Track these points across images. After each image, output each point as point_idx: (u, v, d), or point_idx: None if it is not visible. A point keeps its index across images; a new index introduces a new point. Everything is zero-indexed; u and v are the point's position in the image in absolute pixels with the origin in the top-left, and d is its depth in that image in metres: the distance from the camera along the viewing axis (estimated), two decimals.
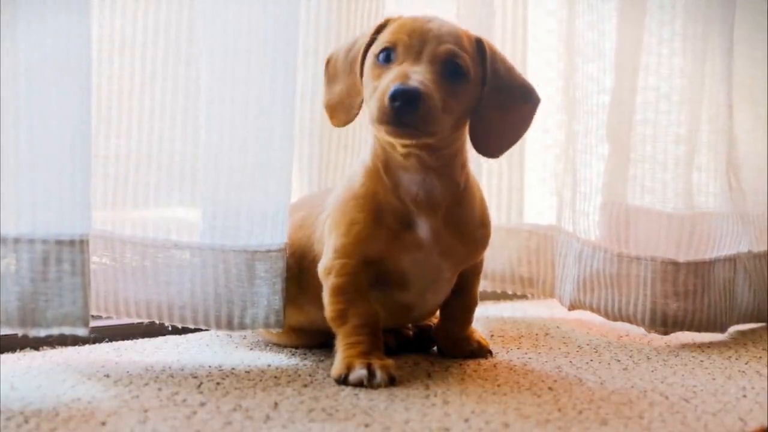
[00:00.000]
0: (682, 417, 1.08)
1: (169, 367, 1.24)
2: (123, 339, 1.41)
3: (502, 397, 1.13)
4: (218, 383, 1.17)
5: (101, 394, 1.09)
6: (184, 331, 1.41)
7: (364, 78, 1.22)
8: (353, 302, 1.23)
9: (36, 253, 1.10)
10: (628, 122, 1.60)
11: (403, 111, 1.11)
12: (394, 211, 1.23)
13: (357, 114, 1.25)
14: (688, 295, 1.55)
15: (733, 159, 1.69)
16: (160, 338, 1.42)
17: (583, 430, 1.01)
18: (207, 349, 1.37)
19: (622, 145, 1.60)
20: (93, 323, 1.16)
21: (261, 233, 1.29)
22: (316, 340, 1.36)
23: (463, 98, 1.20)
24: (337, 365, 1.20)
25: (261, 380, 1.19)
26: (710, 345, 1.53)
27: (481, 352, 1.36)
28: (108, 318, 1.35)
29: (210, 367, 1.25)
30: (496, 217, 1.73)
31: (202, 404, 1.07)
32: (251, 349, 1.38)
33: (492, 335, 1.53)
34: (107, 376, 1.18)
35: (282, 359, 1.32)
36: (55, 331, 1.11)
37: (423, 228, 1.24)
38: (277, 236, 1.29)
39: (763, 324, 1.71)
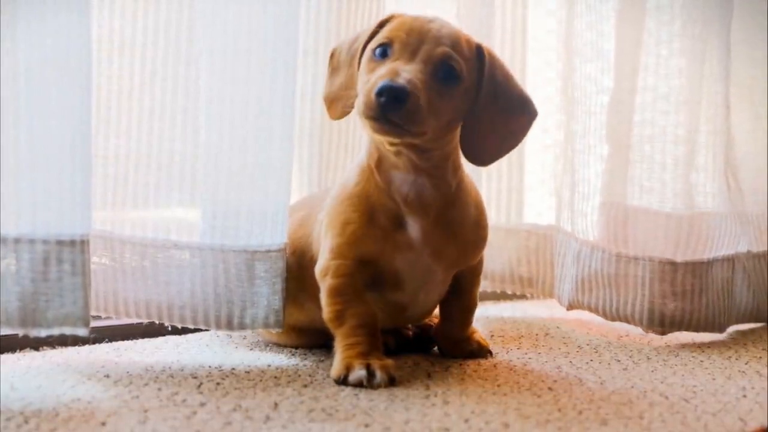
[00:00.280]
0: (682, 417, 1.08)
1: (169, 368, 1.24)
2: (123, 339, 1.41)
3: (502, 397, 1.13)
4: (218, 383, 1.17)
5: (101, 395, 1.09)
6: (184, 331, 1.41)
7: (359, 71, 1.22)
8: (351, 303, 1.23)
9: (36, 253, 1.09)
10: (627, 122, 1.61)
11: (388, 107, 1.11)
12: (387, 211, 1.23)
13: (353, 107, 1.25)
14: (685, 295, 1.55)
15: (731, 159, 1.69)
16: (160, 338, 1.42)
17: (583, 430, 1.01)
18: (207, 350, 1.37)
19: (621, 145, 1.61)
20: (93, 323, 1.16)
21: (261, 233, 1.29)
22: (315, 340, 1.36)
23: (454, 101, 1.19)
24: (337, 366, 1.20)
25: (261, 380, 1.19)
26: (710, 345, 1.53)
27: (481, 352, 1.36)
28: (108, 318, 1.35)
29: (210, 367, 1.25)
30: (496, 218, 1.73)
31: (202, 404, 1.07)
32: (251, 349, 1.38)
33: (492, 335, 1.53)
34: (107, 376, 1.18)
35: (282, 359, 1.32)
36: (55, 331, 1.11)
37: (413, 228, 1.24)
38: (276, 236, 1.29)
39: (763, 324, 1.71)
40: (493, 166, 1.69)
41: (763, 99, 1.73)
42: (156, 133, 1.30)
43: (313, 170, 1.54)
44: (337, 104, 1.27)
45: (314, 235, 1.31)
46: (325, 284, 1.24)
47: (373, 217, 1.23)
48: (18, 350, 1.31)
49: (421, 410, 1.06)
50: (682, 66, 1.59)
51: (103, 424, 0.98)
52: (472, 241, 1.30)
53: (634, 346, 1.50)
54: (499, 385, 1.20)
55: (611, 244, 1.59)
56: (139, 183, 1.30)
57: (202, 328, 1.31)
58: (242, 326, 1.30)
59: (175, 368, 1.24)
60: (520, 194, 1.76)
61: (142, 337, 1.42)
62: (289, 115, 1.29)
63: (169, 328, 1.36)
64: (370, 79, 1.15)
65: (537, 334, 1.56)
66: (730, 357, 1.43)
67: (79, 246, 1.12)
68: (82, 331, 1.12)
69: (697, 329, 1.57)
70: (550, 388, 1.19)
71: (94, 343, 1.37)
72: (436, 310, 1.39)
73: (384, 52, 1.19)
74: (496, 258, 1.74)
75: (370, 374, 1.16)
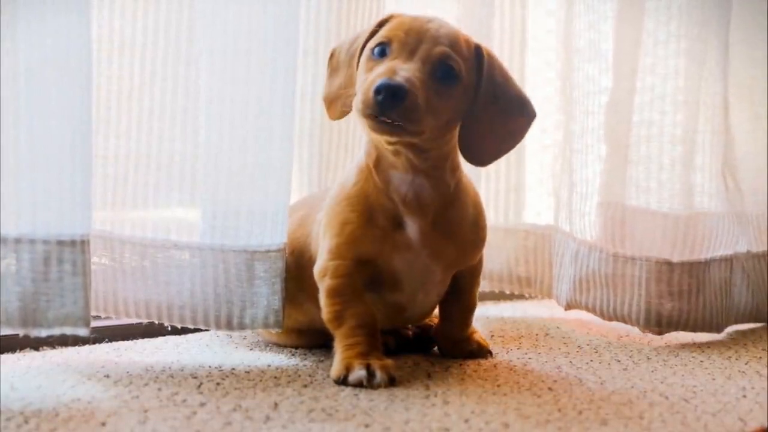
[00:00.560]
0: (682, 417, 1.08)
1: (169, 368, 1.24)
2: (123, 339, 1.41)
3: (502, 398, 1.13)
4: (218, 383, 1.17)
5: (101, 395, 1.09)
6: (184, 331, 1.41)
7: (358, 71, 1.22)
8: (350, 303, 1.23)
9: (37, 253, 1.09)
10: (626, 122, 1.61)
11: (386, 105, 1.11)
12: (385, 211, 1.23)
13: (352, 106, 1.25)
14: (682, 295, 1.55)
15: (731, 159, 1.69)
16: (160, 338, 1.42)
17: (583, 430, 1.01)
18: (207, 350, 1.37)
19: (619, 145, 1.61)
20: (93, 323, 1.16)
21: (260, 233, 1.29)
22: (315, 341, 1.36)
23: (452, 101, 1.19)
24: (337, 366, 1.20)
25: (261, 380, 1.19)
26: (710, 345, 1.53)
27: (480, 352, 1.36)
28: (108, 318, 1.35)
29: (210, 367, 1.25)
30: (494, 217, 1.73)
31: (202, 404, 1.06)
32: (251, 349, 1.38)
33: (492, 335, 1.53)
34: (107, 376, 1.18)
35: (282, 359, 1.32)
36: (56, 331, 1.11)
37: (412, 229, 1.24)
38: (276, 236, 1.29)
39: (763, 324, 1.71)
40: (492, 166, 1.69)
41: (762, 99, 1.73)
42: (156, 133, 1.30)
43: (313, 170, 1.54)
44: (336, 104, 1.27)
45: (313, 235, 1.31)
46: (324, 285, 1.24)
47: (371, 217, 1.23)
48: (18, 350, 1.31)
49: (421, 410, 1.06)
50: (681, 66, 1.59)
51: (103, 424, 0.98)
52: (470, 241, 1.30)
53: (634, 346, 1.50)
54: (499, 385, 1.20)
55: (609, 244, 1.59)
56: (139, 183, 1.30)
57: (202, 328, 1.31)
58: (242, 326, 1.30)
59: (175, 368, 1.24)
60: (518, 194, 1.75)
61: (142, 337, 1.42)
62: (289, 115, 1.29)
63: (169, 328, 1.36)
64: (368, 78, 1.15)
65: (537, 334, 1.56)
66: (730, 357, 1.44)
67: (80, 246, 1.12)
68: (82, 331, 1.12)
69: (694, 329, 1.57)
70: (550, 388, 1.19)
71: (94, 343, 1.37)
72: (436, 310, 1.39)
73: (383, 51, 1.19)
74: (495, 258, 1.74)
75: (370, 374, 1.16)
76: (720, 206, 1.64)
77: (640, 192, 1.61)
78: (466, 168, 1.29)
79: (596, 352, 1.44)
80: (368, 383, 1.16)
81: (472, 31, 1.53)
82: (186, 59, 1.30)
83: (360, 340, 1.20)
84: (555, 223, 1.69)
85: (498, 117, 1.24)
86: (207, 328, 1.30)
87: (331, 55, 1.30)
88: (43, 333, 1.10)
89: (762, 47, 1.72)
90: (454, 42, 1.20)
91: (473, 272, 1.35)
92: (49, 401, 1.06)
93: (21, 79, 1.09)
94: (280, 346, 1.40)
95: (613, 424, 1.03)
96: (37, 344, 1.32)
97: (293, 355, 1.35)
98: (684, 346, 1.52)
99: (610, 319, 1.59)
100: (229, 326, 1.29)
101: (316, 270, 1.26)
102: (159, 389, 1.13)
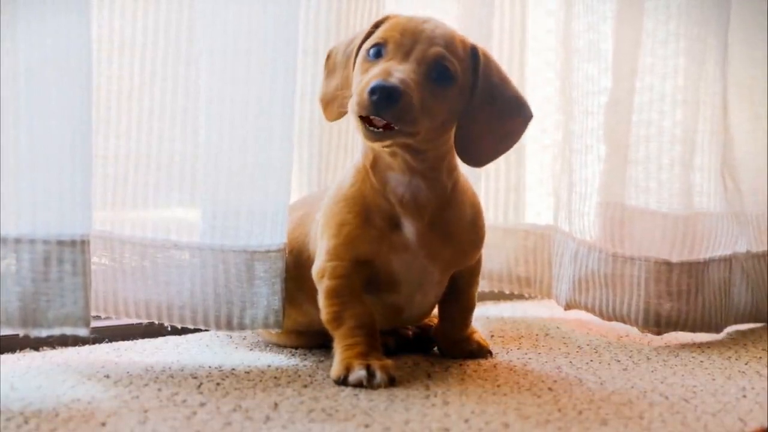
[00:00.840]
0: (682, 417, 1.08)
1: (169, 368, 1.24)
2: (123, 339, 1.41)
3: (502, 398, 1.13)
4: (218, 384, 1.16)
5: (101, 395, 1.09)
6: (184, 331, 1.41)
7: (354, 72, 1.22)
8: (348, 304, 1.23)
9: (37, 253, 1.09)
10: (625, 123, 1.61)
11: (381, 106, 1.11)
12: (382, 212, 1.23)
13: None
14: (681, 295, 1.55)
15: (730, 159, 1.69)
16: (160, 339, 1.42)
17: (583, 431, 1.01)
18: (207, 350, 1.37)
19: (619, 145, 1.61)
20: (93, 323, 1.16)
21: (260, 233, 1.29)
22: (315, 341, 1.36)
23: (448, 102, 1.19)
24: (336, 367, 1.20)
25: (261, 381, 1.19)
26: (710, 345, 1.53)
27: (480, 352, 1.36)
28: (108, 318, 1.35)
29: (210, 367, 1.25)
30: (494, 217, 1.73)
31: (202, 405, 1.06)
32: (251, 349, 1.38)
33: (492, 335, 1.53)
34: (107, 376, 1.18)
35: (282, 360, 1.32)
36: (56, 331, 1.11)
37: (409, 230, 1.23)
38: (276, 236, 1.29)
39: (763, 324, 1.71)
40: (492, 166, 1.70)
41: (762, 99, 1.73)
42: (156, 133, 1.30)
43: (312, 170, 1.54)
44: (333, 105, 1.27)
45: (311, 235, 1.31)
46: (322, 286, 1.24)
47: (368, 218, 1.23)
48: (18, 350, 1.31)
49: (421, 410, 1.06)
50: (680, 66, 1.59)
51: (103, 424, 0.98)
52: (468, 241, 1.29)
53: (634, 346, 1.50)
54: (499, 386, 1.20)
55: (608, 244, 1.59)
56: (139, 183, 1.30)
57: (202, 328, 1.31)
58: (242, 326, 1.30)
59: (175, 368, 1.24)
60: (518, 194, 1.76)
61: (142, 338, 1.42)
62: (289, 115, 1.29)
63: (169, 329, 1.36)
64: (363, 79, 1.15)
65: (537, 335, 1.56)
66: (730, 357, 1.44)
67: (80, 246, 1.12)
68: (82, 332, 1.12)
69: (693, 329, 1.57)
70: (550, 389, 1.19)
71: (94, 343, 1.37)
72: (436, 311, 1.39)
73: (378, 52, 1.19)
74: (494, 257, 1.74)
75: (370, 374, 1.16)
76: (719, 206, 1.64)
77: (639, 192, 1.61)
78: (465, 168, 1.29)
79: (596, 352, 1.44)
80: (368, 383, 1.16)
81: (472, 31, 1.54)
82: (186, 59, 1.30)
83: (359, 341, 1.20)
84: (555, 223, 1.69)
85: (494, 117, 1.24)
86: (207, 328, 1.30)
87: (328, 57, 1.30)
88: (43, 333, 1.10)
89: (762, 47, 1.72)
90: (450, 42, 1.20)
91: (472, 272, 1.35)
92: (49, 401, 1.06)
93: (21, 79, 1.09)
94: (279, 346, 1.40)
95: (613, 424, 1.03)
96: (37, 344, 1.32)
97: (293, 355, 1.35)
98: (684, 346, 1.52)
99: (609, 319, 1.59)
100: (229, 326, 1.29)
101: (315, 271, 1.26)
102: (159, 389, 1.13)
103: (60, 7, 1.10)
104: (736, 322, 1.67)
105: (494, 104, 1.23)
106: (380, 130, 1.13)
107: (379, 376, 1.16)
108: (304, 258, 1.31)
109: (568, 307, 1.63)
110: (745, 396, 1.19)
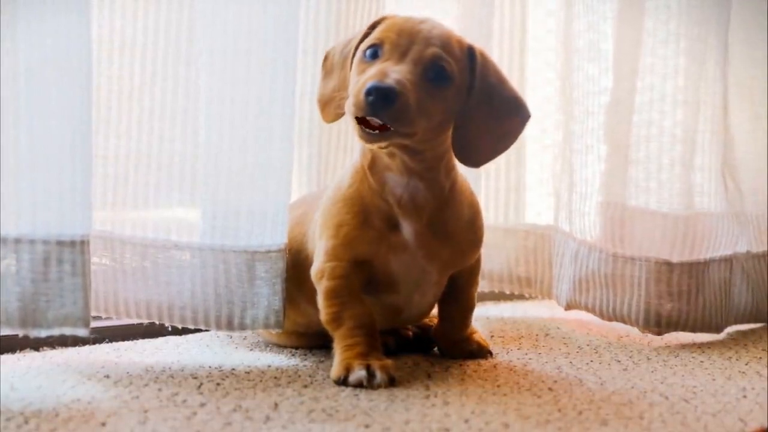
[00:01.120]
0: (682, 417, 1.08)
1: (169, 368, 1.24)
2: (123, 339, 1.41)
3: (502, 398, 1.13)
4: (218, 384, 1.16)
5: (101, 395, 1.09)
6: (184, 331, 1.41)
7: (351, 73, 1.22)
8: (347, 304, 1.23)
9: (37, 253, 1.09)
10: (626, 123, 1.61)
11: (377, 107, 1.11)
12: (381, 213, 1.23)
13: None
14: (682, 295, 1.55)
15: (731, 159, 1.69)
16: (160, 339, 1.42)
17: (583, 431, 1.01)
18: (207, 350, 1.37)
19: (619, 145, 1.61)
20: (93, 324, 1.16)
21: (261, 233, 1.29)
22: (315, 341, 1.36)
23: (445, 102, 1.19)
24: (336, 367, 1.20)
25: (261, 381, 1.19)
26: (710, 345, 1.53)
27: (480, 352, 1.36)
28: (108, 318, 1.35)
29: (210, 367, 1.25)
30: (494, 217, 1.73)
31: (202, 405, 1.06)
32: (251, 349, 1.38)
33: (492, 335, 1.53)
34: (107, 376, 1.18)
35: (282, 360, 1.32)
36: (55, 331, 1.11)
37: (407, 230, 1.23)
38: (276, 237, 1.29)
39: (763, 324, 1.71)
40: (492, 166, 1.70)
41: (763, 99, 1.73)
42: (156, 133, 1.30)
43: (312, 170, 1.54)
44: (330, 107, 1.26)
45: (310, 234, 1.31)
46: (321, 286, 1.24)
47: (367, 218, 1.23)
48: (18, 350, 1.31)
49: (421, 410, 1.06)
50: (681, 66, 1.59)
51: (103, 424, 0.98)
52: (466, 241, 1.29)
53: (634, 346, 1.50)
54: (499, 386, 1.20)
55: (609, 244, 1.59)
56: (139, 183, 1.30)
57: (203, 328, 1.31)
58: (242, 327, 1.30)
59: (176, 369, 1.24)
60: (518, 194, 1.76)
61: (143, 338, 1.42)
62: (289, 115, 1.29)
63: (170, 329, 1.36)
64: (359, 80, 1.15)
65: (537, 335, 1.56)
66: (730, 357, 1.44)
67: (80, 246, 1.12)
68: (82, 332, 1.12)
69: (693, 329, 1.57)
70: (550, 389, 1.19)
71: (94, 343, 1.37)
72: (436, 311, 1.39)
73: (375, 53, 1.19)
74: (495, 258, 1.74)
75: (370, 375, 1.16)
76: (720, 206, 1.64)
77: (639, 192, 1.61)
78: (465, 169, 1.29)
79: (596, 352, 1.44)
80: (368, 383, 1.16)
81: (472, 32, 1.54)
82: (186, 59, 1.30)
83: (359, 341, 1.20)
84: (555, 223, 1.69)
85: (492, 117, 1.23)
86: (207, 328, 1.31)
87: (325, 58, 1.30)
88: (43, 333, 1.10)
89: (762, 47, 1.72)
90: (446, 43, 1.19)
91: (471, 272, 1.35)
92: (49, 401, 1.06)
93: (21, 79, 1.09)
94: (280, 346, 1.40)
95: (613, 425, 1.03)
96: (37, 344, 1.32)
97: (293, 355, 1.35)
98: (684, 347, 1.52)
99: (609, 320, 1.59)
100: (230, 327, 1.29)
101: (313, 272, 1.26)
102: (159, 389, 1.12)
103: (60, 7, 1.10)
104: (736, 323, 1.67)
105: (492, 104, 1.23)
106: (376, 131, 1.13)
107: (379, 376, 1.16)
108: (302, 257, 1.31)
109: (568, 307, 1.63)
110: (745, 396, 1.19)
